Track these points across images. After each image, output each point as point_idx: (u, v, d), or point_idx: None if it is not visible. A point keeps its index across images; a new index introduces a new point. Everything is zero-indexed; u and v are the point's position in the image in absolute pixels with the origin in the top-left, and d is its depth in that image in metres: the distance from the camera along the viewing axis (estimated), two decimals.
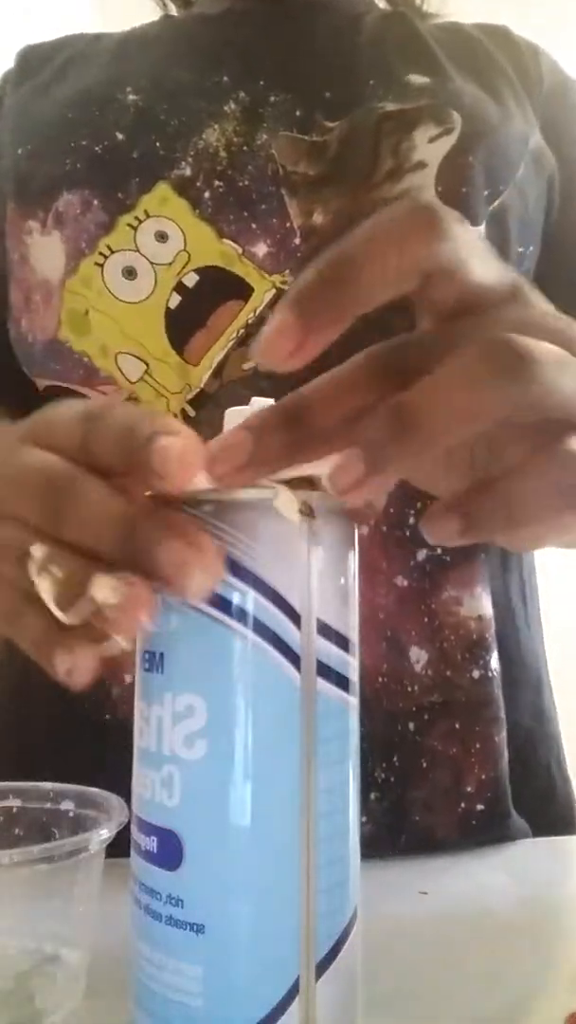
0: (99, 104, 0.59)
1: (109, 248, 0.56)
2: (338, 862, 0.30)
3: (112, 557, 0.28)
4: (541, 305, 0.30)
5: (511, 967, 0.40)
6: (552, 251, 0.64)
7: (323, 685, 0.29)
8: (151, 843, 0.30)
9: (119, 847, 0.36)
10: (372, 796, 0.54)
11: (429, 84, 0.60)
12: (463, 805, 0.55)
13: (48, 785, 0.39)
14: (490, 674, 0.56)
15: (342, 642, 0.30)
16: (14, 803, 0.39)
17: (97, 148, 0.58)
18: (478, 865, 0.52)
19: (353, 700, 0.31)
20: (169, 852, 0.29)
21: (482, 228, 0.57)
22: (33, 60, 0.67)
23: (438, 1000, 0.37)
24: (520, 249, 0.61)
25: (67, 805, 0.39)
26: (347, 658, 0.30)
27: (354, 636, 0.31)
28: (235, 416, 0.34)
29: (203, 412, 0.55)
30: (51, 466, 0.29)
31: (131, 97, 0.59)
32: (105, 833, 0.35)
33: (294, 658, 0.29)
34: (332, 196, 0.56)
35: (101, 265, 0.56)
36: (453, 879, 0.50)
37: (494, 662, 0.56)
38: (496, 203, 0.58)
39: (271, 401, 0.33)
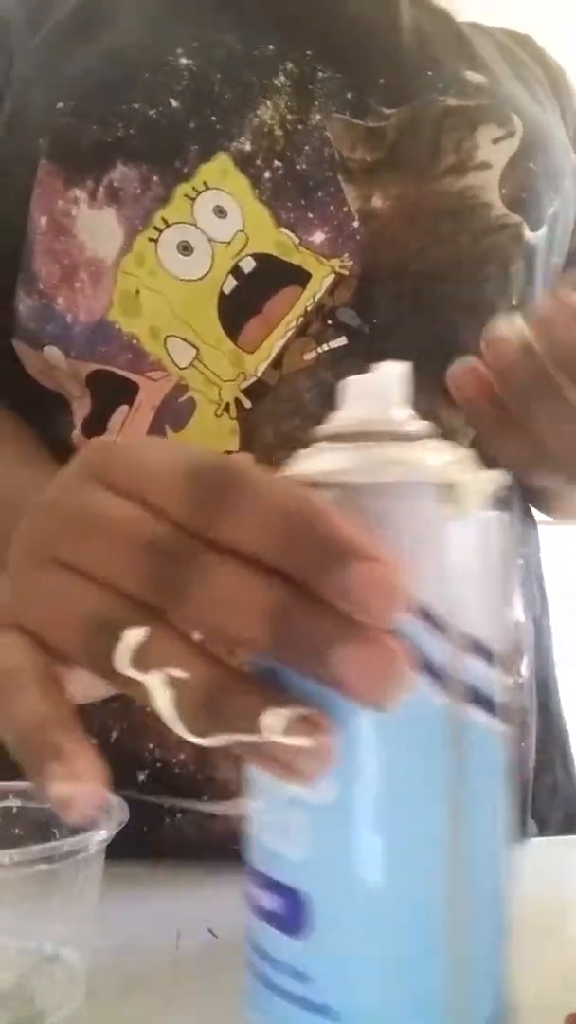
0: (150, 66, 0.56)
1: (164, 221, 0.54)
2: (495, 930, 0.25)
3: (252, 649, 0.24)
4: None
5: (511, 966, 0.40)
6: None
7: (472, 710, 0.24)
8: (271, 901, 0.25)
9: (119, 847, 0.36)
10: None
11: (486, 84, 0.59)
12: None
13: None
14: (519, 680, 0.56)
15: (489, 657, 0.25)
16: (14, 803, 0.39)
17: (152, 113, 0.54)
18: None
19: (503, 727, 0.26)
20: (293, 915, 0.24)
21: (543, 232, 0.58)
22: None
23: None
24: (556, 260, 0.61)
25: None
26: (495, 675, 0.25)
27: (503, 649, 0.26)
28: (357, 384, 0.28)
29: (261, 403, 0.53)
30: (152, 531, 0.24)
31: (183, 61, 0.56)
32: (105, 833, 0.35)
33: (437, 677, 0.24)
34: (391, 181, 0.55)
35: (155, 240, 0.54)
36: None
37: (523, 669, 0.56)
38: (551, 210, 0.59)
39: (398, 364, 0.29)
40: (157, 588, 0.24)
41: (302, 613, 0.23)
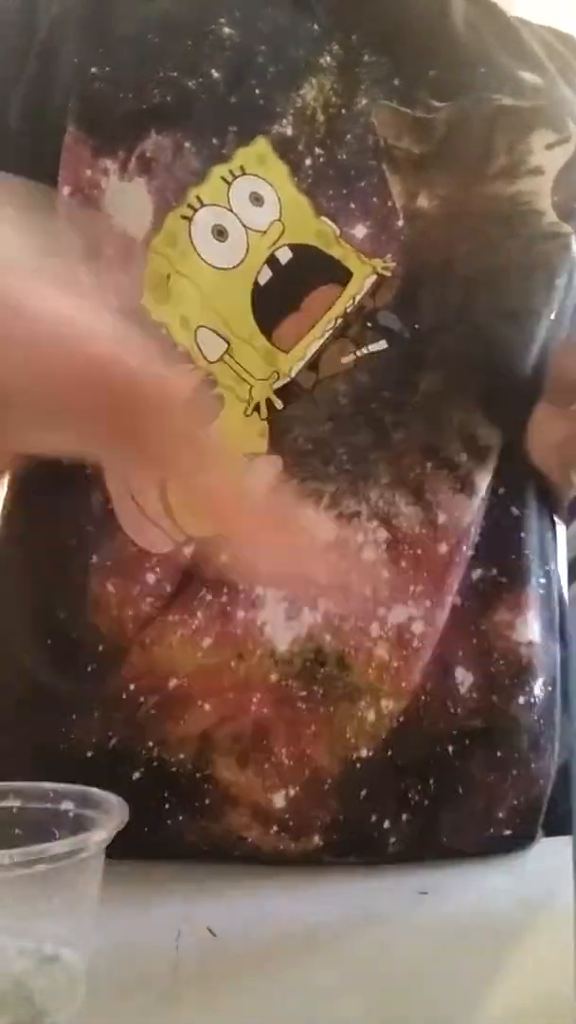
0: (192, 34, 0.53)
1: (200, 200, 0.51)
2: None
3: None
4: None
5: (512, 968, 0.40)
6: None
7: None
8: None
9: (119, 847, 0.36)
10: (404, 817, 0.52)
11: (542, 85, 0.57)
12: (492, 830, 0.54)
13: (48, 785, 0.39)
14: (533, 700, 0.55)
15: None
16: (14, 803, 0.39)
17: (190, 83, 0.52)
18: (478, 865, 0.52)
19: None
20: None
21: None
22: None
23: (438, 1001, 0.37)
24: None
25: (67, 805, 0.39)
26: None
27: None
28: None
29: (294, 406, 0.51)
30: None
31: (226, 30, 0.53)
32: (104, 833, 0.35)
33: None
34: (439, 180, 0.53)
35: (189, 219, 0.51)
36: (453, 879, 0.50)
37: (538, 688, 0.55)
38: None
39: None
40: None
41: None
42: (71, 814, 0.38)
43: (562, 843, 0.58)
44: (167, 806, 0.51)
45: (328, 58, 0.54)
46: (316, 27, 0.55)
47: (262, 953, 0.41)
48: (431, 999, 0.37)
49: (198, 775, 0.51)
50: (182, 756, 0.51)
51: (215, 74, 0.52)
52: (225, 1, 0.55)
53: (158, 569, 0.52)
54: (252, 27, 0.54)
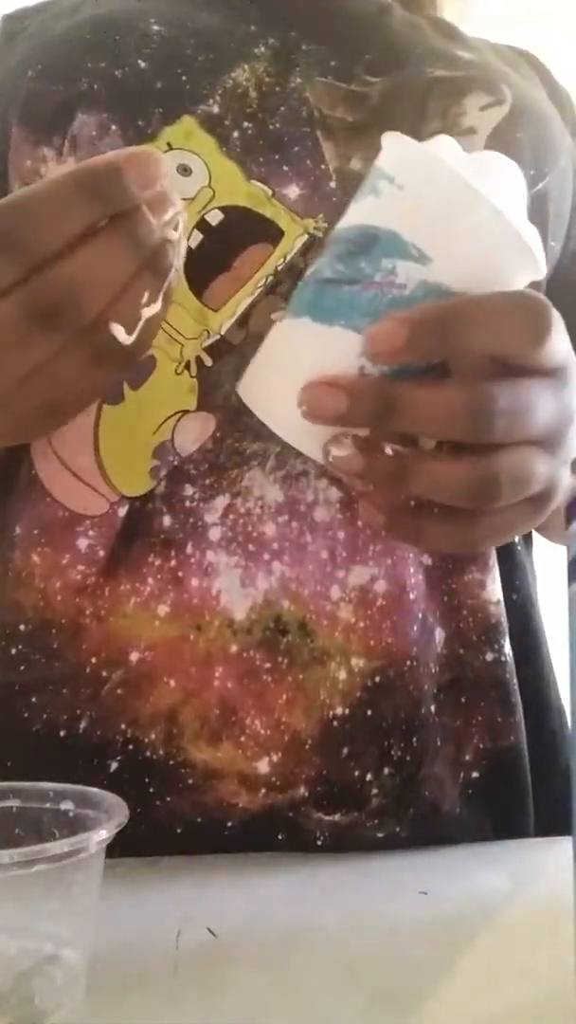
0: (120, 30, 0.56)
1: None
2: None
3: None
4: None
5: (511, 968, 0.40)
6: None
7: None
8: None
9: (119, 847, 0.36)
10: (386, 771, 0.53)
11: (476, 60, 0.59)
12: (462, 775, 0.55)
13: (48, 785, 0.39)
14: (503, 659, 0.55)
15: None
16: (14, 803, 0.39)
17: (117, 72, 0.54)
18: (478, 865, 0.52)
19: None
20: None
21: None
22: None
23: (437, 1001, 0.37)
24: (553, 244, 0.60)
25: (67, 805, 0.39)
26: None
27: None
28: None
29: (223, 362, 0.52)
30: None
31: (155, 27, 0.56)
32: (105, 833, 0.35)
33: None
34: (373, 144, 0.54)
35: None
36: (453, 879, 0.50)
37: (507, 647, 0.56)
38: (540, 186, 0.58)
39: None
40: None
41: None
42: (71, 814, 0.38)
43: (562, 843, 0.58)
44: (151, 789, 0.51)
45: (263, 48, 0.56)
46: (253, 28, 0.57)
47: (262, 953, 0.41)
48: (431, 999, 0.37)
49: (171, 762, 0.51)
50: (153, 737, 0.51)
51: (141, 64, 0.54)
52: (155, 7, 0.58)
53: (91, 533, 0.52)
54: (182, 26, 0.56)
